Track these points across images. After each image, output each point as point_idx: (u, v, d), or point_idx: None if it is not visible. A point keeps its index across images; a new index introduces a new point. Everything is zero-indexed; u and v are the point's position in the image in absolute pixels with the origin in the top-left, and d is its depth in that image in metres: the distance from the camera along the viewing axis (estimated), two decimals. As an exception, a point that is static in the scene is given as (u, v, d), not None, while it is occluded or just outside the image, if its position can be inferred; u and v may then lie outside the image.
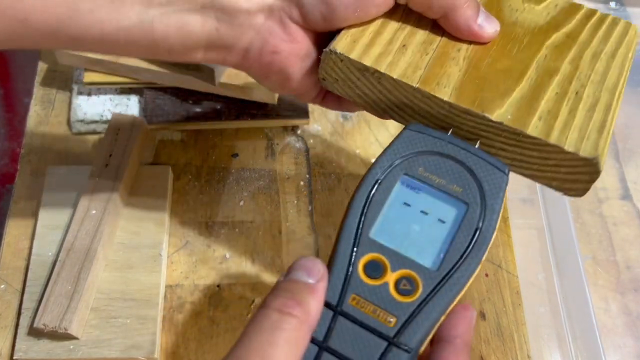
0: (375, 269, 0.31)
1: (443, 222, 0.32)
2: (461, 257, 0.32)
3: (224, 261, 0.53)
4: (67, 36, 0.33)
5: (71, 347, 0.46)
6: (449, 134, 0.35)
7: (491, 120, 0.34)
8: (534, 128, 0.34)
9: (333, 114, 0.61)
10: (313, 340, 0.30)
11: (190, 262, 0.52)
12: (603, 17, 0.41)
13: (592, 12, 0.41)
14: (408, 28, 0.38)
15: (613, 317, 0.53)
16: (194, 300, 0.51)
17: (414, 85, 0.35)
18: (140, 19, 0.33)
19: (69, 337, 0.46)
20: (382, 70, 0.36)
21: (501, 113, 0.35)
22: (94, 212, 0.50)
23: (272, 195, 0.56)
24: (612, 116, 0.36)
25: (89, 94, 0.59)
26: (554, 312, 0.51)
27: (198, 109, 0.58)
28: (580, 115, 0.35)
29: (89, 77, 0.58)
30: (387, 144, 0.34)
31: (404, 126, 0.35)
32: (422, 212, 0.33)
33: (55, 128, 0.58)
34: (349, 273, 0.31)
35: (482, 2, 0.40)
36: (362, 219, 0.32)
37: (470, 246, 0.32)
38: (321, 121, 0.61)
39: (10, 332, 0.48)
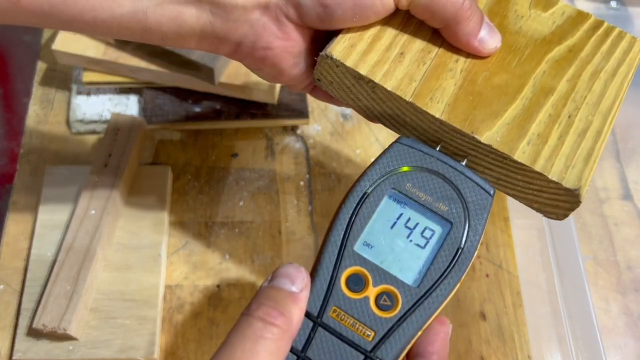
0: (357, 283, 0.32)
1: (427, 239, 0.33)
2: (441, 275, 0.32)
3: (223, 261, 0.52)
4: (60, 19, 0.33)
5: (70, 347, 0.46)
6: (437, 149, 0.35)
7: (480, 142, 0.34)
8: (521, 153, 0.34)
9: (333, 114, 0.61)
10: (292, 349, 0.30)
11: (190, 263, 0.52)
12: (609, 30, 0.40)
13: (598, 24, 0.40)
14: (407, 33, 0.37)
15: (614, 317, 0.53)
16: (194, 300, 0.50)
17: (407, 99, 0.35)
18: (134, 8, 0.33)
19: (68, 337, 0.46)
20: (377, 81, 0.35)
21: (491, 135, 0.34)
22: (93, 212, 0.49)
23: (272, 195, 0.56)
24: (601, 143, 0.36)
25: (88, 94, 0.59)
26: (554, 313, 0.51)
27: (197, 109, 0.58)
28: (570, 141, 0.35)
29: (88, 76, 0.58)
30: (378, 154, 0.34)
31: (396, 136, 0.36)
32: (407, 227, 0.33)
33: (55, 128, 0.58)
34: (332, 285, 0.32)
35: (489, 5, 0.39)
36: (348, 231, 0.33)
37: (451, 265, 0.32)
38: (321, 121, 0.60)
39: (10, 332, 0.48)
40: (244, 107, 0.58)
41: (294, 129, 0.60)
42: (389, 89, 0.35)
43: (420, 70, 0.36)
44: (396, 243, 0.33)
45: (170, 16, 0.33)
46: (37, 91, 0.60)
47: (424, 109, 0.35)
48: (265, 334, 0.28)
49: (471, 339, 0.51)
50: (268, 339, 0.28)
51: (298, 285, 0.31)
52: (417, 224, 0.33)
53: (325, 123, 0.60)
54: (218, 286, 0.51)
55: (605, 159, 0.61)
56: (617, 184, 0.60)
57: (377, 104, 0.37)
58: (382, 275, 0.32)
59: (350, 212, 0.33)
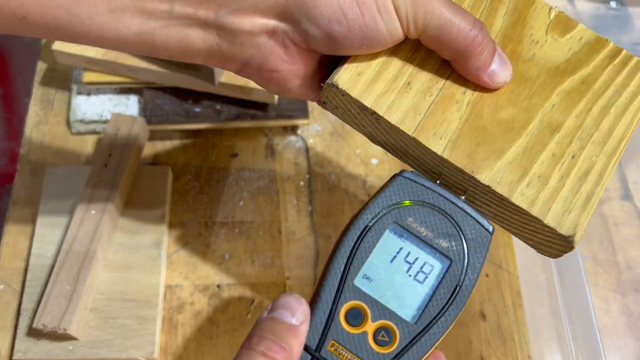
0: (356, 317, 0.32)
1: (426, 275, 0.33)
2: (439, 312, 0.32)
3: (223, 261, 0.52)
4: (67, 35, 0.33)
5: (70, 347, 0.46)
6: (438, 182, 0.35)
7: (479, 182, 0.34)
8: (519, 196, 0.34)
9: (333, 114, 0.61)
10: None
11: (190, 263, 0.52)
12: (626, 59, 0.38)
13: (616, 52, 0.38)
14: (416, 62, 0.36)
15: (614, 317, 0.53)
16: (194, 300, 0.50)
17: (410, 135, 0.35)
18: (140, 30, 0.33)
19: (68, 337, 0.46)
20: (381, 114, 0.35)
21: (491, 175, 0.34)
22: (93, 212, 0.49)
23: (272, 195, 0.56)
24: (602, 186, 0.35)
25: (89, 94, 0.59)
26: (554, 313, 0.51)
27: (198, 109, 0.58)
28: (570, 183, 0.35)
29: (89, 76, 0.58)
30: (378, 154, 0.35)
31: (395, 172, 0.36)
32: (407, 262, 0.33)
33: (55, 128, 0.58)
34: (331, 318, 0.32)
35: (504, 30, 0.38)
36: (349, 264, 0.33)
37: (449, 302, 0.33)
38: (321, 121, 0.60)
39: (10, 332, 0.48)
40: (244, 107, 0.58)
41: (294, 129, 0.60)
42: (392, 122, 0.35)
43: (426, 102, 0.36)
44: (396, 278, 0.33)
45: (177, 37, 0.34)
46: (37, 91, 0.60)
47: (426, 145, 0.35)
48: None
49: (471, 338, 0.51)
50: None
51: (299, 318, 0.31)
52: (417, 259, 0.33)
53: (325, 123, 0.60)
54: (218, 286, 0.51)
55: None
56: (617, 184, 0.60)
57: (380, 133, 0.37)
58: (381, 310, 0.32)
59: (352, 244, 0.33)
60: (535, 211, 0.34)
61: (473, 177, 0.34)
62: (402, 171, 0.35)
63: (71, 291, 0.46)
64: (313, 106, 0.61)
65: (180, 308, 0.50)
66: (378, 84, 0.35)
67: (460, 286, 0.33)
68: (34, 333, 0.46)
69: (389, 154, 0.59)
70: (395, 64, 0.36)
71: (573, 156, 0.35)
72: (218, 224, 0.54)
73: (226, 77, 0.56)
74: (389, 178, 0.35)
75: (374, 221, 0.34)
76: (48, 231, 0.51)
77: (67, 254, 0.48)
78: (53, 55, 0.57)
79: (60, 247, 0.48)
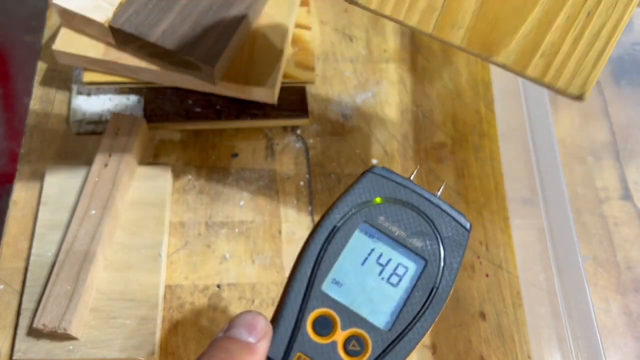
0: (324, 326, 0.30)
1: (400, 277, 0.31)
2: (414, 317, 0.30)
3: (223, 261, 0.52)
4: None
5: (70, 347, 0.46)
6: (411, 178, 0.33)
7: (496, 63, 0.35)
8: (533, 68, 0.35)
9: (333, 114, 0.61)
10: None
11: (190, 263, 0.52)
12: None
13: None
14: None
15: (614, 317, 0.53)
16: (194, 300, 0.50)
17: (429, 33, 0.35)
18: None
19: (68, 337, 0.46)
20: (401, 19, 0.35)
21: (507, 54, 0.35)
22: (93, 212, 0.50)
23: (272, 196, 0.56)
24: (616, 38, 0.35)
25: (89, 94, 0.59)
26: (554, 313, 0.51)
27: (198, 109, 0.58)
28: (583, 44, 0.35)
29: (89, 76, 0.58)
30: (379, 153, 0.33)
31: (366, 170, 0.34)
32: (379, 264, 0.31)
33: (55, 128, 0.58)
34: (297, 329, 0.30)
35: None
36: (316, 269, 0.30)
37: (425, 306, 0.30)
38: (321, 121, 0.60)
39: (10, 332, 0.48)
40: (244, 107, 0.58)
41: (294, 129, 0.60)
42: (412, 25, 0.35)
43: None
44: (367, 281, 0.31)
45: None
46: (37, 91, 0.60)
47: (445, 39, 0.35)
48: None
49: (471, 338, 0.51)
50: None
51: (256, 335, 0.28)
52: (389, 260, 0.31)
53: (325, 123, 0.60)
54: (218, 286, 0.51)
55: (605, 159, 0.61)
56: (617, 184, 0.60)
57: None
58: (351, 317, 0.30)
59: (319, 247, 0.31)
60: (547, 79, 0.35)
61: (491, 60, 0.35)
62: (373, 167, 0.33)
63: (71, 291, 0.46)
64: (313, 106, 0.61)
65: (180, 308, 0.50)
66: None
67: (437, 289, 0.31)
68: (34, 333, 0.46)
69: (389, 154, 0.59)
70: None
71: (589, 14, 0.35)
72: (218, 224, 0.54)
73: (226, 77, 0.56)
74: (360, 174, 0.33)
75: (342, 221, 0.31)
76: (48, 231, 0.51)
77: (67, 253, 0.48)
78: (53, 55, 0.57)
79: (60, 247, 0.48)
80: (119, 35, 0.55)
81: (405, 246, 0.31)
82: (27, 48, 0.65)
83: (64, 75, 0.61)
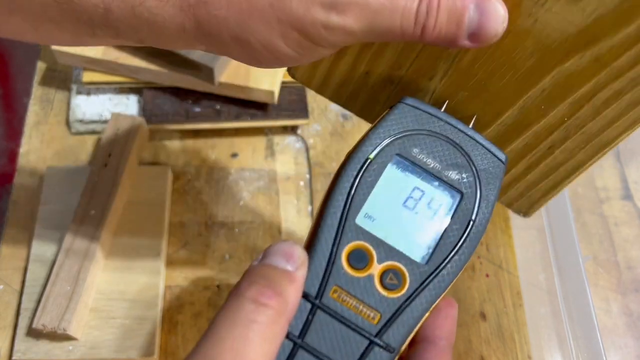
0: (360, 260, 0.29)
1: (436, 211, 0.30)
2: (451, 251, 0.29)
3: (223, 261, 0.52)
4: None
5: (70, 347, 0.46)
6: (442, 110, 0.32)
7: None
8: None
9: (333, 114, 0.61)
10: (288, 336, 0.27)
11: (190, 263, 0.52)
12: None
13: None
14: (373, 49, 0.32)
15: (614, 317, 0.53)
16: (193, 300, 0.50)
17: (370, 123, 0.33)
18: None
19: (67, 337, 0.46)
20: (340, 105, 0.34)
21: None
22: (93, 212, 0.49)
23: (272, 196, 0.56)
24: (576, 176, 0.33)
25: (88, 94, 0.59)
26: (554, 313, 0.51)
27: (197, 109, 0.58)
28: (537, 173, 0.33)
29: (88, 76, 0.58)
30: (379, 117, 0.31)
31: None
32: (414, 198, 0.30)
33: (54, 128, 0.58)
34: (332, 262, 0.29)
35: None
36: (349, 201, 0.29)
37: (462, 240, 0.29)
38: (321, 121, 0.60)
39: (9, 332, 0.47)
40: (243, 107, 0.58)
41: (294, 129, 0.60)
42: (352, 112, 0.34)
43: (386, 92, 0.33)
44: (402, 215, 0.30)
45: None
46: (37, 91, 0.60)
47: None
48: (259, 318, 0.24)
49: (471, 339, 0.51)
50: (261, 324, 0.24)
51: (294, 264, 0.27)
52: (424, 193, 0.30)
53: (325, 123, 0.60)
54: (218, 286, 0.51)
55: (606, 158, 0.60)
56: (617, 184, 0.59)
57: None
58: (387, 251, 0.29)
59: (352, 180, 0.29)
60: None
61: None
62: (404, 97, 0.31)
63: (71, 291, 0.46)
64: (313, 106, 0.61)
65: (180, 308, 0.50)
66: (335, 75, 0.33)
67: (474, 221, 0.30)
68: (34, 333, 0.46)
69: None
70: (351, 51, 0.33)
71: (550, 147, 0.32)
72: (218, 224, 0.54)
73: (226, 77, 0.56)
74: (390, 107, 0.31)
75: (375, 153, 0.30)
76: (48, 231, 0.50)
77: (66, 253, 0.48)
78: (53, 55, 0.57)
79: (60, 247, 0.48)
80: (118, 35, 0.54)
81: (440, 179, 0.30)
82: (27, 48, 0.64)
83: (64, 75, 0.61)
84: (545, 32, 0.28)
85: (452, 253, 0.29)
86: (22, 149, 0.56)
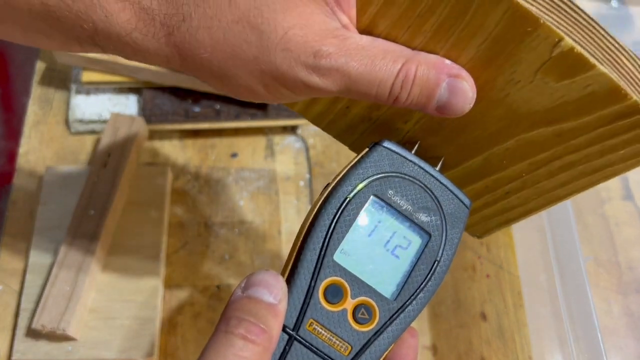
0: (335, 295, 0.31)
1: (406, 250, 0.32)
2: (418, 288, 0.32)
3: (223, 262, 0.52)
4: None
5: (69, 348, 0.46)
6: (414, 149, 0.34)
7: None
8: None
9: (333, 114, 0.61)
10: None
11: (190, 263, 0.52)
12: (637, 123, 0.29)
13: (633, 110, 0.28)
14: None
15: (615, 318, 0.53)
16: (193, 301, 0.50)
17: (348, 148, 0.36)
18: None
19: (67, 338, 0.46)
20: (321, 129, 0.36)
21: None
22: (92, 212, 0.49)
23: (272, 196, 0.56)
24: (528, 217, 0.35)
25: (88, 94, 0.59)
26: (555, 313, 0.51)
27: (197, 109, 0.58)
28: (493, 209, 0.35)
29: (88, 76, 0.57)
30: (355, 158, 0.33)
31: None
32: (386, 237, 0.32)
33: (54, 128, 0.58)
34: (309, 296, 0.31)
35: (473, 63, 0.29)
36: (328, 238, 0.31)
37: (428, 278, 0.32)
38: (321, 121, 0.60)
39: (8, 333, 0.47)
40: (243, 107, 0.58)
41: (294, 129, 0.60)
42: (332, 135, 0.37)
43: (363, 126, 0.35)
44: (375, 253, 0.32)
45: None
46: (36, 91, 0.60)
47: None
48: (247, 354, 0.26)
49: (472, 339, 0.51)
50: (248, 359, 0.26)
51: (277, 296, 0.29)
52: (397, 233, 0.32)
53: (325, 123, 0.60)
54: (218, 286, 0.51)
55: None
56: (618, 184, 0.59)
57: None
58: (361, 287, 0.31)
59: (331, 218, 0.31)
60: None
61: None
62: (382, 140, 0.33)
63: (70, 292, 0.46)
64: (313, 106, 0.61)
65: (179, 309, 0.50)
66: (317, 105, 0.35)
67: (439, 262, 0.32)
68: (33, 334, 0.46)
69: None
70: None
71: (507, 193, 0.35)
72: (218, 224, 0.54)
73: (226, 76, 0.56)
74: (368, 147, 0.33)
75: (353, 193, 0.32)
76: (47, 231, 0.50)
77: (66, 254, 0.48)
78: (52, 55, 0.57)
79: (59, 248, 0.48)
80: (118, 35, 0.54)
81: (412, 220, 0.32)
82: (26, 47, 0.64)
83: (63, 75, 0.61)
84: (515, 105, 0.30)
85: (418, 290, 0.32)
86: (22, 149, 0.56)
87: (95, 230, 0.49)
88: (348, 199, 0.32)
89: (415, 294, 0.31)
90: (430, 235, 0.32)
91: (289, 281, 0.31)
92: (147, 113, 0.57)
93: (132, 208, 0.52)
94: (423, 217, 0.32)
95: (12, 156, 0.57)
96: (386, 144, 0.33)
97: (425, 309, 0.51)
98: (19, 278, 0.50)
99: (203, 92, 0.58)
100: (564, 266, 0.51)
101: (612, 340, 0.52)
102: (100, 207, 0.50)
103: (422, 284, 0.32)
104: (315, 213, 0.32)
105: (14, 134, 0.58)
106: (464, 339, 0.50)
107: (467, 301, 0.52)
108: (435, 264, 0.32)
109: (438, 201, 0.33)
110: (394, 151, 0.33)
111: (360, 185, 0.32)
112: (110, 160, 0.52)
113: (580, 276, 0.49)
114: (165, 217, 0.52)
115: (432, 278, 0.32)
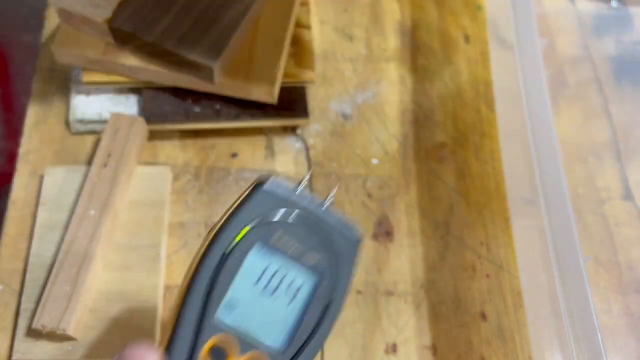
0: (220, 355, 0.29)
1: (295, 295, 0.30)
2: (310, 333, 0.30)
3: (223, 262, 0.52)
4: None
5: (69, 348, 0.46)
6: (301, 186, 0.32)
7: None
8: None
9: (333, 114, 0.61)
10: None
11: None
12: None
13: None
14: None
15: (615, 318, 0.53)
16: (193, 301, 0.50)
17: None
18: None
19: (67, 338, 0.46)
20: None
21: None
22: (92, 212, 0.49)
23: (272, 196, 0.56)
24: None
25: (88, 94, 0.59)
26: (555, 313, 0.51)
27: (197, 109, 0.58)
28: None
29: (88, 76, 0.57)
30: (376, 154, 0.32)
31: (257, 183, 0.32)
32: (275, 284, 0.30)
33: (54, 128, 0.58)
34: None
35: None
36: (208, 296, 0.29)
37: (320, 321, 0.30)
38: (321, 121, 0.60)
39: (9, 333, 0.47)
40: (243, 107, 0.58)
41: (294, 129, 0.60)
42: None
43: None
44: (262, 302, 0.30)
45: None
46: (36, 91, 0.60)
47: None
48: None
49: (472, 339, 0.51)
50: None
51: None
52: (285, 279, 0.30)
53: (325, 123, 0.60)
54: (218, 287, 0.51)
55: (607, 158, 0.60)
56: (618, 184, 0.59)
57: None
58: (248, 341, 0.29)
59: (210, 274, 0.29)
60: None
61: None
62: (263, 182, 0.31)
63: (70, 292, 0.46)
64: (313, 106, 0.61)
65: (179, 308, 0.50)
66: None
67: (331, 302, 0.30)
68: (33, 333, 0.46)
69: (389, 154, 0.59)
70: None
71: None
72: (218, 224, 0.54)
73: (226, 76, 0.56)
74: (248, 188, 0.31)
75: (234, 243, 0.30)
76: (47, 231, 0.50)
77: (66, 254, 0.48)
78: (52, 55, 0.57)
79: (60, 248, 0.48)
80: (118, 35, 0.54)
81: (300, 262, 0.31)
82: (26, 47, 0.64)
83: (63, 75, 0.61)
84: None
85: (311, 335, 0.30)
86: (22, 149, 0.56)
87: (95, 230, 0.49)
88: (229, 249, 0.30)
89: (308, 340, 0.30)
90: (320, 277, 0.30)
91: (170, 347, 0.28)
92: (147, 113, 0.57)
93: (132, 208, 0.52)
94: (312, 259, 0.31)
95: (12, 156, 0.57)
96: (267, 186, 0.31)
97: (425, 309, 0.51)
98: (19, 278, 0.50)
99: (203, 92, 0.58)
100: (564, 266, 0.51)
101: (612, 340, 0.52)
102: (100, 207, 0.50)
103: (314, 328, 0.30)
104: (194, 268, 0.30)
105: (14, 133, 0.58)
106: (463, 339, 0.50)
107: (467, 301, 0.52)
108: (327, 306, 0.30)
109: (326, 239, 0.31)
110: (275, 192, 0.31)
111: (242, 233, 0.30)
112: (110, 160, 0.52)
113: (580, 276, 0.49)
114: (165, 217, 0.52)
115: (325, 320, 0.30)
